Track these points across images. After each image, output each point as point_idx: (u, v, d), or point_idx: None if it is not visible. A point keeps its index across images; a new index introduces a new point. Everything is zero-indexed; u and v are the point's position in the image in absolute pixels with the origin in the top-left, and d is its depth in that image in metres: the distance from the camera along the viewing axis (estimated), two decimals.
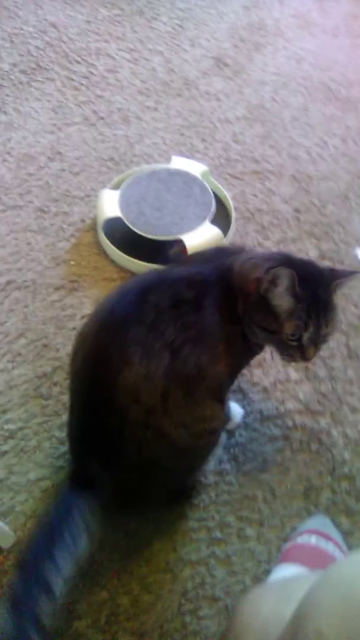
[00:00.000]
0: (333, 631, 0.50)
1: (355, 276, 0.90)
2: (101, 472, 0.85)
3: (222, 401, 0.93)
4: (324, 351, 1.20)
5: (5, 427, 1.11)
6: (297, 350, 0.88)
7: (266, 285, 0.84)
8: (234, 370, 0.96)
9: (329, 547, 0.95)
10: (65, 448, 1.08)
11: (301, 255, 1.34)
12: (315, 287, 0.86)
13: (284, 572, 0.93)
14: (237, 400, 1.12)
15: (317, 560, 0.93)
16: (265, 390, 1.15)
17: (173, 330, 0.83)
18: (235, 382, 1.06)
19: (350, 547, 0.98)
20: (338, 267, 1.13)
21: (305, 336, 0.86)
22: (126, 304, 0.87)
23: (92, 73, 1.75)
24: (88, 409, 0.88)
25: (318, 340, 0.88)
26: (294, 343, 0.87)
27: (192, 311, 0.85)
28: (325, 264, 1.33)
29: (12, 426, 1.11)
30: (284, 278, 0.82)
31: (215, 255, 0.98)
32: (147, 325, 0.83)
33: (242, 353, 0.94)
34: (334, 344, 1.22)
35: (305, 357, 0.89)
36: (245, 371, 1.17)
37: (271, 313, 0.86)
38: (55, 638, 0.90)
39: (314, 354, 0.89)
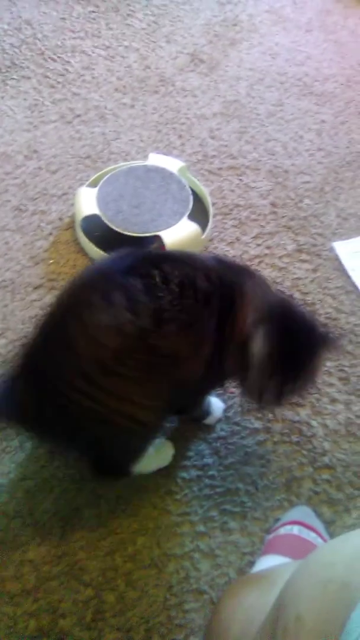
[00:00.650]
0: (312, 616, 0.51)
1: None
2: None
3: (166, 408, 0.89)
4: None
5: None
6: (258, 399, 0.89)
7: (248, 335, 0.83)
8: (204, 384, 0.94)
9: (311, 537, 0.96)
10: (47, 447, 1.07)
11: (279, 249, 1.36)
12: (299, 347, 0.85)
13: (267, 563, 0.94)
14: (218, 395, 1.13)
15: (299, 550, 0.94)
16: None
17: (168, 304, 0.79)
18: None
19: (332, 537, 1.00)
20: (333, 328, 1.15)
21: (269, 393, 0.86)
22: (134, 259, 0.84)
23: (67, 70, 1.74)
24: (50, 338, 0.87)
25: (282, 397, 0.88)
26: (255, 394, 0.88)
27: (196, 300, 0.81)
28: (303, 257, 1.35)
29: None
30: (266, 342, 0.81)
31: (239, 269, 0.93)
32: (145, 282, 0.79)
33: (218, 371, 0.90)
34: None
35: (262, 408, 0.89)
36: None
37: (245, 355, 0.84)
38: (40, 637, 0.90)
39: (276, 406, 0.90)
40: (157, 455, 1.04)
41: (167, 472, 1.05)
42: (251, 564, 0.97)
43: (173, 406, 0.92)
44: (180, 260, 0.86)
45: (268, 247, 1.37)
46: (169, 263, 0.83)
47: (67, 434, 0.88)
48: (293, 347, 0.84)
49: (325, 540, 0.98)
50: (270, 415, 1.12)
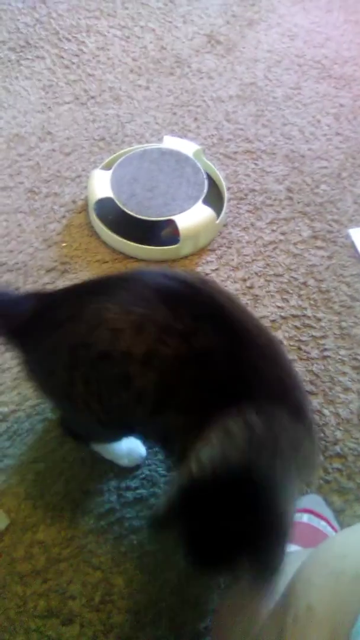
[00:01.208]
0: (323, 607, 0.51)
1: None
2: None
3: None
4: (316, 331, 1.20)
5: None
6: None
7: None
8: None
9: (321, 526, 0.96)
10: (59, 431, 1.08)
11: (294, 235, 1.34)
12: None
13: None
14: None
15: (309, 538, 0.93)
16: None
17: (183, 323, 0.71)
18: None
19: (342, 525, 0.99)
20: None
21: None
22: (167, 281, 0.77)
23: (82, 51, 1.72)
24: None
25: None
26: None
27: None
28: (319, 244, 1.33)
29: (4, 409, 1.10)
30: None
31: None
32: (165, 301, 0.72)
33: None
34: (326, 324, 1.21)
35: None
36: None
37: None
38: (49, 617, 0.91)
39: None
40: (128, 453, 1.03)
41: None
42: None
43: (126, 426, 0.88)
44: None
45: (283, 233, 1.35)
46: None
47: (41, 385, 0.88)
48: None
49: (335, 529, 0.97)
50: None
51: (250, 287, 1.26)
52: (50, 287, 1.26)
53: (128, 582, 0.94)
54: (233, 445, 0.64)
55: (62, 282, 1.26)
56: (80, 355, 0.75)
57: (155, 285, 0.74)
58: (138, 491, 1.02)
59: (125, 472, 1.04)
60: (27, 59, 1.69)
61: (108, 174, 1.36)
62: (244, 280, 1.28)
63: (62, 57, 1.70)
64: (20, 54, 1.70)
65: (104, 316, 0.72)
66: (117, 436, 0.96)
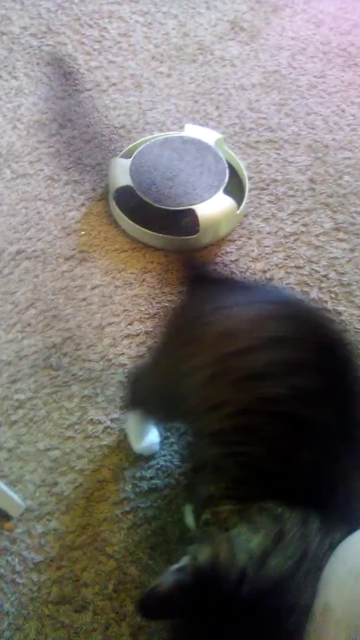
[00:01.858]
0: (341, 606, 0.50)
1: None
2: None
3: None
4: (338, 325, 1.18)
5: (15, 396, 1.11)
6: None
7: None
8: None
9: None
10: (75, 418, 1.08)
11: (316, 226, 1.32)
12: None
13: None
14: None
15: None
16: None
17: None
18: None
19: None
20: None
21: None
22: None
23: (104, 37, 1.70)
24: None
25: None
26: None
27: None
28: (341, 236, 1.31)
29: (21, 396, 1.11)
30: None
31: None
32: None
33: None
34: (347, 318, 1.19)
35: None
36: None
37: None
38: (63, 603, 0.92)
39: None
40: (145, 441, 1.03)
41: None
42: None
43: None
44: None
45: (305, 225, 1.33)
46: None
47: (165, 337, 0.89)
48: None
49: None
50: None
51: (270, 279, 1.25)
52: (68, 275, 1.25)
53: (141, 572, 0.94)
54: (242, 552, 0.59)
55: (81, 271, 1.26)
56: (227, 355, 0.72)
57: (316, 339, 0.71)
58: (153, 481, 1.02)
59: (141, 461, 1.03)
60: (49, 45, 1.68)
61: (128, 162, 1.35)
62: (264, 271, 1.26)
63: (84, 44, 1.69)
64: (42, 39, 1.69)
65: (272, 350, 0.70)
66: (168, 418, 0.98)
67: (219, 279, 0.91)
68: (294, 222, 1.33)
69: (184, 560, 0.59)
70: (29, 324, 1.19)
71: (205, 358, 0.73)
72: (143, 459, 1.03)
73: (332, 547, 0.60)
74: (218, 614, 0.56)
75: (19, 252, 1.29)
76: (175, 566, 0.58)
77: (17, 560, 0.95)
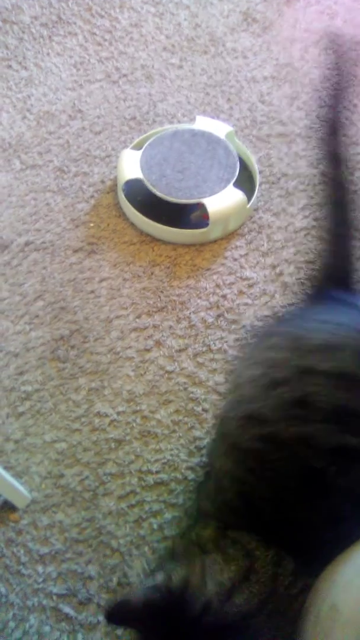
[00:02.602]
0: (349, 607, 0.50)
1: None
2: None
3: None
4: None
5: (22, 388, 1.11)
6: None
7: None
8: None
9: None
10: (82, 411, 1.08)
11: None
12: None
13: None
14: None
15: None
16: None
17: None
18: None
19: None
20: None
21: None
22: None
23: (115, 27, 1.69)
24: None
25: None
26: None
27: None
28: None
29: (28, 388, 1.11)
30: None
31: None
32: None
33: None
34: None
35: None
36: None
37: None
38: (67, 596, 0.92)
39: None
40: None
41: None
42: None
43: None
44: None
45: (316, 220, 1.31)
46: None
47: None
48: None
49: None
50: None
51: (280, 274, 1.24)
52: (77, 268, 1.25)
53: (146, 566, 0.94)
54: (212, 582, 0.60)
55: (89, 263, 1.25)
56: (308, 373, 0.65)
57: None
58: (159, 475, 1.02)
59: (147, 455, 1.03)
60: (59, 35, 1.67)
61: (138, 154, 1.34)
62: (274, 266, 1.25)
63: (95, 34, 1.67)
64: (53, 29, 1.68)
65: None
66: None
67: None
68: (305, 216, 1.32)
69: (160, 578, 0.61)
70: (37, 316, 1.19)
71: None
72: (149, 452, 1.03)
73: (305, 590, 0.59)
74: (177, 637, 0.58)
75: (27, 244, 1.28)
76: (150, 583, 0.60)
77: (22, 551, 0.96)
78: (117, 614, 0.61)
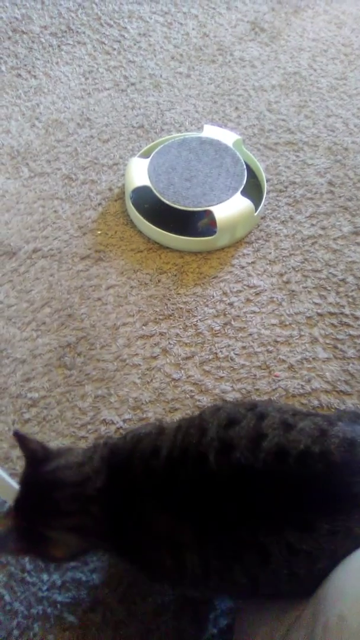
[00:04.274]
0: (356, 616, 0.49)
1: None
2: None
3: None
4: (354, 330, 1.17)
5: (29, 395, 1.11)
6: None
7: None
8: None
9: None
10: (88, 418, 1.07)
11: (334, 230, 1.30)
12: None
13: None
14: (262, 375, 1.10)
15: None
16: (291, 367, 1.13)
17: None
18: None
19: None
20: None
21: None
22: None
23: (124, 37, 1.70)
24: None
25: None
26: None
27: None
28: (359, 240, 1.29)
29: (35, 394, 1.11)
30: None
31: None
32: None
33: None
34: None
35: None
36: (271, 347, 1.15)
37: None
38: (72, 604, 0.91)
39: None
40: None
41: None
42: None
43: None
44: None
45: (323, 228, 1.31)
46: None
47: None
48: None
49: None
50: (315, 402, 1.08)
51: (287, 282, 1.24)
52: (84, 275, 1.25)
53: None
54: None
55: (96, 270, 1.26)
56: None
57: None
58: None
59: None
60: (68, 44, 1.69)
61: (146, 162, 1.34)
62: (281, 275, 1.25)
63: (103, 43, 1.69)
64: (62, 39, 1.70)
65: None
66: None
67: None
68: (312, 225, 1.32)
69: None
70: (44, 323, 1.19)
71: None
72: None
73: None
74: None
75: (35, 251, 1.29)
76: None
77: (27, 559, 0.95)
78: None
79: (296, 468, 0.64)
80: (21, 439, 0.78)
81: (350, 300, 1.21)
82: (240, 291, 1.23)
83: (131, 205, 1.31)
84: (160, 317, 1.20)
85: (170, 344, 1.16)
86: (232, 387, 1.10)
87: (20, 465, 1.03)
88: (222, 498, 0.65)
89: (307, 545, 0.62)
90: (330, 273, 1.25)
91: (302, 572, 0.63)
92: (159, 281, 1.24)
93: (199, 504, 0.66)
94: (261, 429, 0.68)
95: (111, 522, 0.72)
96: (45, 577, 0.94)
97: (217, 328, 1.18)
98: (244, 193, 1.29)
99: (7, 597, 0.92)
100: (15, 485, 0.93)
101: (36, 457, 0.77)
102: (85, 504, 0.72)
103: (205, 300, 1.22)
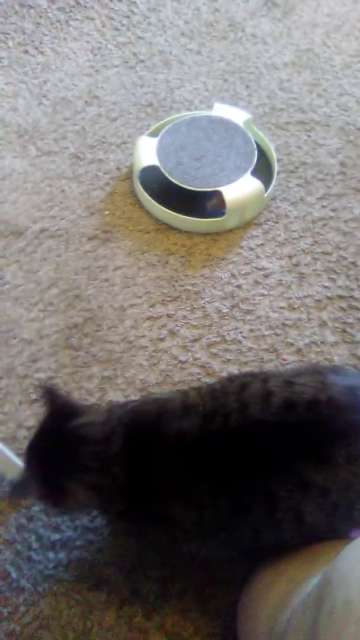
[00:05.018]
0: None
1: None
2: None
3: None
4: None
5: (36, 375, 1.11)
6: None
7: None
8: None
9: None
10: (94, 399, 1.07)
11: (345, 212, 1.28)
12: None
13: None
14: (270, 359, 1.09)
15: None
16: (299, 351, 1.12)
17: None
18: None
19: None
20: None
21: None
22: None
23: (133, 12, 1.67)
24: None
25: None
26: None
27: None
28: None
29: (42, 375, 1.11)
30: None
31: None
32: None
33: None
34: None
35: None
36: (280, 330, 1.14)
37: None
38: (78, 582, 0.92)
39: None
40: None
41: None
42: None
43: None
44: None
45: (334, 210, 1.29)
46: None
47: None
48: None
49: None
50: None
51: (296, 265, 1.22)
52: (91, 255, 1.24)
53: (157, 554, 0.94)
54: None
55: (103, 251, 1.25)
56: None
57: None
58: None
59: None
60: (76, 19, 1.65)
61: (155, 141, 1.32)
62: (290, 257, 1.23)
63: (112, 19, 1.65)
64: (70, 14, 1.66)
65: None
66: None
67: None
68: (323, 206, 1.30)
69: None
70: (51, 304, 1.19)
71: None
72: None
73: None
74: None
75: (42, 231, 1.28)
76: None
77: (33, 537, 0.96)
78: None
79: (306, 415, 0.71)
80: (51, 394, 0.81)
81: None
82: (249, 273, 1.21)
83: (139, 185, 1.29)
84: (168, 298, 1.19)
85: (178, 326, 1.15)
86: (239, 370, 1.10)
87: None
88: (239, 453, 0.72)
89: (321, 477, 0.69)
90: (340, 256, 1.23)
91: (309, 515, 0.71)
92: (166, 262, 1.23)
93: (218, 460, 0.72)
94: (268, 388, 0.74)
95: (132, 479, 0.76)
96: (51, 555, 0.94)
97: (225, 310, 1.17)
98: (254, 173, 1.27)
99: (13, 574, 0.93)
100: (23, 465, 0.94)
101: (62, 413, 0.80)
102: (108, 463, 0.76)
103: (213, 282, 1.20)
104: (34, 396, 1.08)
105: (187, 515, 0.74)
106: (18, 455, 0.94)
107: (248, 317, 1.16)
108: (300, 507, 0.70)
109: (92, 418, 0.79)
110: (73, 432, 0.78)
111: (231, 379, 0.81)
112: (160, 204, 1.26)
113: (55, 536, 0.96)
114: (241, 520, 0.73)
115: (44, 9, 1.67)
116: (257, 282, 1.20)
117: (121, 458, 0.76)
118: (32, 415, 1.06)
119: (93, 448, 0.76)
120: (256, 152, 1.29)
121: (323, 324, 1.15)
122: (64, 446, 0.77)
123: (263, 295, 1.19)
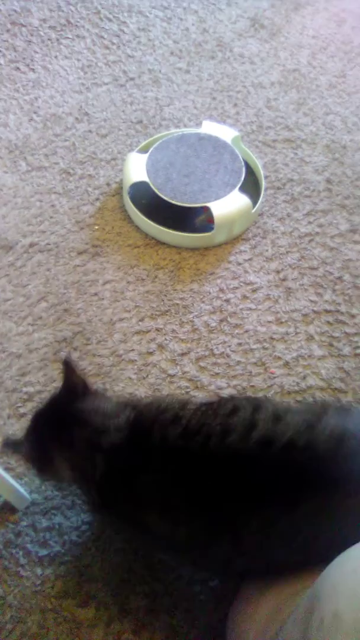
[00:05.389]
0: (351, 614, 0.49)
1: None
2: None
3: None
4: (350, 328, 1.17)
5: (24, 389, 1.10)
6: None
7: None
8: None
9: None
10: None
11: (331, 228, 1.30)
12: None
13: None
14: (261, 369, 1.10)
15: None
16: (287, 364, 1.13)
17: None
18: None
19: None
20: None
21: None
22: None
23: (123, 31, 1.69)
24: None
25: None
26: None
27: None
28: (356, 239, 1.29)
29: (30, 389, 1.10)
30: None
31: None
32: None
33: None
34: None
35: None
36: (267, 344, 1.15)
37: None
38: (66, 598, 0.91)
39: None
40: None
41: None
42: None
43: None
44: None
45: (320, 226, 1.31)
46: None
47: None
48: None
49: None
50: (310, 400, 1.09)
51: (284, 280, 1.24)
52: (81, 270, 1.25)
53: (146, 569, 0.94)
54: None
55: (93, 265, 1.26)
56: None
57: None
58: None
59: None
60: (67, 37, 1.68)
61: (144, 157, 1.34)
62: (278, 272, 1.25)
63: (103, 37, 1.68)
64: (61, 32, 1.69)
65: None
66: None
67: None
68: (310, 222, 1.32)
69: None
70: (40, 317, 1.19)
71: None
72: None
73: None
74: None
75: (32, 245, 1.29)
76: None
77: (21, 553, 0.95)
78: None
79: (279, 456, 0.70)
80: (68, 368, 0.83)
81: (346, 298, 1.21)
82: (237, 288, 1.23)
83: (129, 200, 1.31)
84: (157, 312, 1.19)
85: (167, 339, 1.16)
86: (227, 383, 1.11)
87: (15, 460, 1.03)
88: (214, 479, 0.71)
89: (285, 521, 0.68)
90: (326, 271, 1.25)
91: (273, 553, 0.72)
92: (155, 277, 1.24)
93: (195, 480, 0.72)
94: (254, 419, 0.73)
95: (110, 477, 0.77)
96: (39, 571, 0.94)
97: (213, 324, 1.18)
98: (241, 190, 1.29)
99: (0, 591, 0.92)
100: (11, 480, 0.93)
101: (74, 391, 0.83)
102: (94, 452, 0.77)
103: (201, 297, 1.22)
104: (22, 410, 1.08)
105: (161, 526, 0.74)
106: (6, 469, 0.94)
107: (236, 331, 1.17)
108: (264, 546, 0.70)
109: (99, 405, 0.81)
110: (76, 413, 0.80)
111: (229, 399, 0.81)
112: (149, 219, 1.27)
113: (43, 551, 0.95)
114: (213, 544, 0.73)
115: (36, 27, 1.69)
116: (245, 297, 1.22)
117: (109, 452, 0.77)
118: (20, 430, 1.06)
119: (87, 434, 0.78)
120: (244, 169, 1.32)
121: (310, 338, 1.16)
122: (64, 422, 0.80)
123: (251, 309, 1.20)
